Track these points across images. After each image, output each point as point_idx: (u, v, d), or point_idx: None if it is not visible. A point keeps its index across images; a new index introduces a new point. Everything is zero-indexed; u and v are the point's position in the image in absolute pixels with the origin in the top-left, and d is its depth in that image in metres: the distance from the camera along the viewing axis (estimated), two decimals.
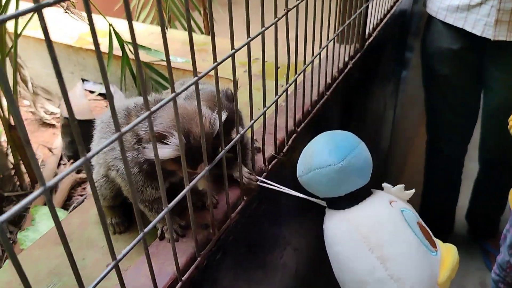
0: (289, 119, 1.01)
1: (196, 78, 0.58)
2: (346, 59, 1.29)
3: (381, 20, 1.55)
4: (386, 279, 0.69)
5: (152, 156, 0.64)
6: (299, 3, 0.86)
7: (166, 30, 0.54)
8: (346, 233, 0.74)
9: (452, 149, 2.00)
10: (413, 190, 0.83)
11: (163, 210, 0.60)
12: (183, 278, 0.69)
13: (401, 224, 0.75)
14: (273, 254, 1.08)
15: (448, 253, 0.77)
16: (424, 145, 2.15)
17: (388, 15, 1.59)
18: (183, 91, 0.57)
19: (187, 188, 0.63)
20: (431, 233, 0.80)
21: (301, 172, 0.81)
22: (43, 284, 0.76)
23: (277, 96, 0.88)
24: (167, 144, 0.68)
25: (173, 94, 0.55)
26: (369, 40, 1.42)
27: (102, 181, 0.82)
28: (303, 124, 1.06)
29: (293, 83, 0.97)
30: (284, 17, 0.80)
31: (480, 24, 1.58)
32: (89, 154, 0.45)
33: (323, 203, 0.85)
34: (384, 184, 0.82)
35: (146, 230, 0.57)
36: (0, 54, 1.29)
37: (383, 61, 1.73)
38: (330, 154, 0.76)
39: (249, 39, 0.69)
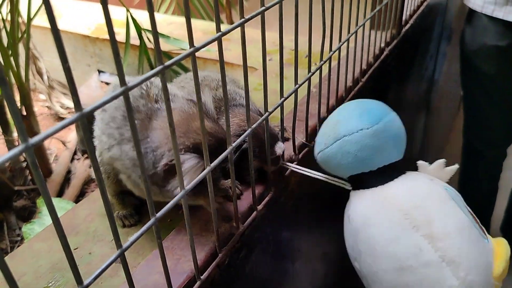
0: (322, 105, 0.90)
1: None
2: (382, 45, 1.18)
3: (418, 7, 1.44)
4: (436, 262, 0.55)
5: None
6: None
7: (183, 18, 0.44)
8: (382, 212, 0.60)
9: (493, 152, 1.85)
10: (456, 166, 0.70)
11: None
12: (201, 277, 0.59)
13: (448, 200, 0.62)
14: (303, 258, 0.97)
15: (499, 244, 0.63)
16: (456, 151, 2.01)
17: (425, 3, 1.48)
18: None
19: (207, 169, 0.53)
20: (477, 220, 0.67)
21: (323, 145, 0.67)
22: (43, 280, 0.67)
23: (310, 73, 0.78)
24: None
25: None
26: (406, 27, 1.31)
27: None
28: None
29: (328, 65, 0.87)
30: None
31: None
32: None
33: (348, 186, 0.72)
34: (420, 162, 0.70)
35: (158, 215, 0.47)
36: (12, 39, 1.22)
37: (419, 54, 1.61)
38: (361, 118, 0.64)
39: (263, 7, 0.59)
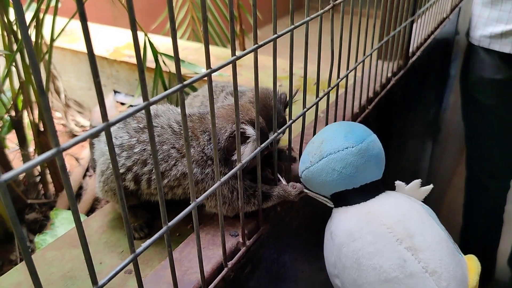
0: None
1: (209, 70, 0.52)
2: (389, 75, 1.22)
3: (425, 40, 1.48)
4: (420, 272, 0.57)
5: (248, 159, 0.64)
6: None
7: (200, 43, 0.49)
8: (366, 226, 0.63)
9: (496, 184, 1.86)
10: (431, 186, 0.73)
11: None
12: None
13: (426, 216, 0.66)
14: (306, 280, 0.98)
15: (470, 260, 0.67)
16: (462, 184, 2.02)
17: (432, 36, 1.53)
18: (219, 68, 0.51)
19: (217, 184, 0.56)
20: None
21: (308, 163, 0.70)
22: (55, 287, 0.69)
23: (318, 99, 0.81)
24: (247, 138, 0.69)
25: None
26: (413, 59, 1.35)
27: (107, 178, 0.77)
28: None
29: (335, 92, 0.90)
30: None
31: None
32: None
33: (330, 204, 0.74)
34: (397, 182, 0.73)
35: (171, 223, 0.50)
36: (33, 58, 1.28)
37: (426, 85, 1.65)
38: (346, 138, 0.68)
39: (275, 35, 0.63)
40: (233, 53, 0.55)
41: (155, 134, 0.71)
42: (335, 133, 0.70)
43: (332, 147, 0.67)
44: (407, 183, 0.73)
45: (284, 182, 0.75)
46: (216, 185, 0.56)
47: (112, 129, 0.74)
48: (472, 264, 0.65)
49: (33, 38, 1.29)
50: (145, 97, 0.43)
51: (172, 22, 0.45)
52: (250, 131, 0.69)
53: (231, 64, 0.55)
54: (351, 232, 0.64)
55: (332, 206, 0.72)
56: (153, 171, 0.72)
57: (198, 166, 0.70)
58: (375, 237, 0.61)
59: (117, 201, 0.80)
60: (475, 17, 1.62)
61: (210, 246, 0.69)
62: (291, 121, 0.74)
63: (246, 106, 0.75)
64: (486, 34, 1.56)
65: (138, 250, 0.48)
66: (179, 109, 0.78)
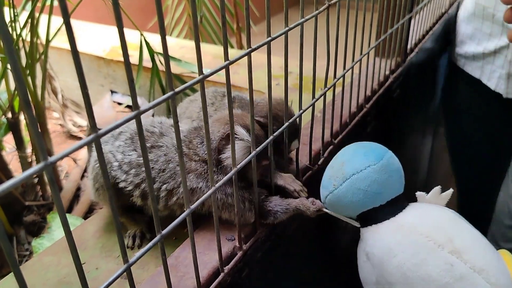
0: (326, 130, 0.93)
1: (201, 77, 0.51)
2: (387, 72, 1.21)
3: (423, 36, 1.47)
4: (468, 273, 0.58)
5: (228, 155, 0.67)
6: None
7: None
8: (404, 239, 0.63)
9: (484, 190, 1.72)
10: (451, 190, 0.72)
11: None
12: None
13: (458, 219, 0.66)
14: (307, 283, 0.98)
15: (504, 254, 0.67)
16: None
17: (430, 32, 1.52)
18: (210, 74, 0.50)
19: (210, 191, 0.56)
20: None
21: (332, 187, 0.71)
22: None
23: (314, 99, 0.80)
24: (240, 140, 0.68)
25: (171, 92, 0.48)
26: (411, 55, 1.34)
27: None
28: (340, 136, 0.98)
29: (332, 91, 0.90)
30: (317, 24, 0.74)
31: (494, 76, 1.37)
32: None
33: (357, 224, 0.74)
34: (418, 193, 0.73)
35: (164, 232, 0.50)
36: (31, 60, 1.27)
37: (425, 82, 1.64)
38: (366, 156, 0.68)
39: (269, 38, 0.62)
40: (226, 58, 0.54)
41: (161, 153, 0.72)
42: (354, 154, 0.70)
43: (354, 167, 0.67)
44: (427, 191, 0.73)
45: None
46: (210, 191, 0.55)
47: (119, 143, 0.75)
48: (507, 258, 0.66)
49: (28, 39, 1.29)
50: (135, 106, 0.42)
51: (161, 19, 0.44)
52: (241, 131, 0.69)
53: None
54: (390, 248, 0.64)
55: (359, 226, 0.72)
56: (163, 187, 0.72)
57: (202, 180, 0.70)
58: (416, 248, 0.61)
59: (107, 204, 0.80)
60: (455, 31, 1.55)
61: (206, 251, 0.68)
62: (287, 123, 0.74)
63: (243, 113, 0.75)
64: (461, 52, 1.49)
65: (131, 260, 0.47)
66: (182, 127, 0.78)
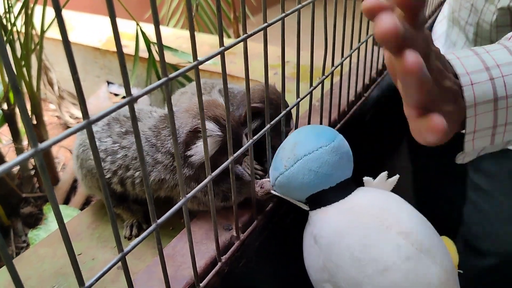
0: (324, 119, 0.92)
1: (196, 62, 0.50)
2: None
3: None
4: (415, 254, 0.58)
5: (201, 156, 0.67)
6: None
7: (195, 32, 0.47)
8: (354, 220, 0.63)
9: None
10: (397, 176, 0.72)
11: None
12: (201, 284, 0.60)
13: (404, 203, 0.67)
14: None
15: (445, 240, 0.69)
16: None
17: (430, 21, 1.50)
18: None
19: (208, 178, 0.55)
20: None
21: (282, 168, 0.69)
22: (47, 284, 0.69)
23: (311, 88, 0.80)
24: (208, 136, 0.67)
25: (165, 79, 0.47)
26: None
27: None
28: (338, 125, 0.97)
29: (330, 80, 0.89)
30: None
31: None
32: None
33: (306, 207, 0.73)
34: (365, 178, 0.72)
35: (160, 221, 0.49)
36: (25, 51, 1.26)
37: None
38: (318, 138, 0.68)
39: (265, 24, 0.61)
40: (221, 44, 0.53)
41: (130, 143, 0.71)
42: (307, 135, 0.70)
43: (306, 148, 0.67)
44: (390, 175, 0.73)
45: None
46: (206, 181, 0.55)
47: (96, 129, 0.73)
48: (448, 243, 0.67)
49: (23, 30, 1.27)
50: (128, 92, 0.41)
51: (154, 5, 0.44)
52: (209, 126, 0.68)
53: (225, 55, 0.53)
54: (339, 230, 0.63)
55: (307, 209, 0.71)
56: (136, 174, 0.71)
57: (169, 172, 0.70)
58: (365, 229, 0.61)
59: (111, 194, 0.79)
60: (432, 30, 1.40)
61: (204, 240, 0.68)
62: (284, 111, 0.73)
63: (216, 101, 0.73)
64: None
65: (126, 249, 0.47)
66: (160, 111, 0.77)
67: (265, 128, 0.67)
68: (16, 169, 1.38)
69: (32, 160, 1.39)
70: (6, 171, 0.32)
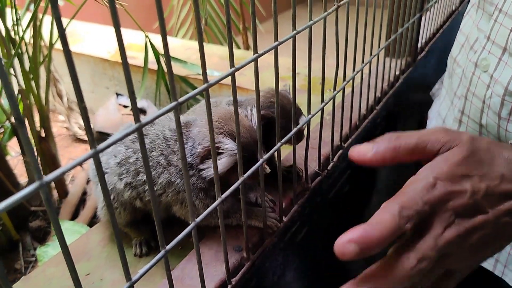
0: (335, 133, 0.90)
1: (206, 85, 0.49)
2: (397, 72, 1.18)
3: (434, 34, 1.44)
4: None
5: (211, 174, 0.66)
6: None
7: (203, 44, 0.46)
8: None
9: None
10: None
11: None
12: None
13: None
14: None
15: None
16: None
17: (441, 31, 1.48)
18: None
19: (219, 198, 0.54)
20: None
21: None
22: None
23: (323, 103, 0.78)
24: (221, 153, 0.65)
25: (175, 103, 0.46)
26: (421, 54, 1.31)
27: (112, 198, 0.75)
28: (350, 140, 0.95)
29: (341, 93, 0.87)
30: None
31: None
32: (100, 147, 0.37)
33: None
34: None
35: (168, 247, 0.48)
36: (34, 63, 1.26)
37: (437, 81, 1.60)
38: None
39: (276, 42, 0.60)
40: (232, 65, 0.51)
41: (147, 141, 0.70)
42: None
43: None
44: None
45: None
46: (215, 204, 0.53)
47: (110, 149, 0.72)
48: None
49: (31, 41, 1.27)
50: (136, 119, 0.40)
51: (161, 19, 0.42)
52: (225, 145, 0.65)
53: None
54: None
55: None
56: (143, 179, 0.71)
57: (179, 176, 0.68)
58: None
59: (125, 215, 0.78)
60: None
61: (213, 262, 0.66)
62: (295, 128, 0.71)
63: (232, 115, 0.71)
64: (436, 86, 1.34)
65: (134, 278, 0.45)
66: (182, 118, 0.75)
67: (276, 146, 0.66)
68: (24, 182, 1.38)
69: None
70: (8, 208, 0.31)
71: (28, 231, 1.25)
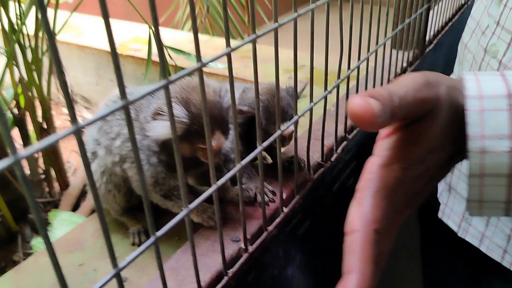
0: (339, 125, 0.88)
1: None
2: (404, 65, 1.15)
3: (443, 27, 1.41)
4: None
5: (154, 133, 0.63)
6: None
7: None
8: None
9: None
10: None
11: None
12: None
13: None
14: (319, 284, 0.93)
15: None
16: None
17: (450, 24, 1.45)
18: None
19: (212, 188, 0.51)
20: None
21: None
22: None
23: (326, 92, 0.75)
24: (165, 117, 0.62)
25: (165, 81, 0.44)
26: (430, 47, 1.28)
27: (101, 178, 0.73)
28: (354, 131, 0.92)
29: (346, 84, 0.84)
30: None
31: None
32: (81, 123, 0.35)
33: None
34: None
35: (159, 233, 0.45)
36: (36, 55, 1.24)
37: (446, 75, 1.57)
38: None
39: (276, 24, 0.57)
40: (228, 44, 0.49)
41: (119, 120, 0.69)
42: None
43: None
44: None
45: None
46: (212, 189, 0.51)
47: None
48: None
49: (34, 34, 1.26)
50: (122, 95, 0.38)
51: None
52: (175, 109, 0.62)
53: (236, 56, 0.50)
54: None
55: None
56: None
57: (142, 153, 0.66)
58: None
59: (120, 199, 0.76)
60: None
61: (209, 253, 0.64)
62: (296, 116, 0.69)
63: (197, 87, 0.67)
64: None
65: (120, 265, 0.43)
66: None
67: (257, 150, 0.63)
68: (26, 173, 1.37)
69: (42, 164, 1.37)
70: None
71: (28, 222, 1.23)
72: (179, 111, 0.62)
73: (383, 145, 0.45)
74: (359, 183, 0.44)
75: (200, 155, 0.66)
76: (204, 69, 1.51)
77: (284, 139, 0.77)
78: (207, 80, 0.71)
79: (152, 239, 0.45)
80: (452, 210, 0.92)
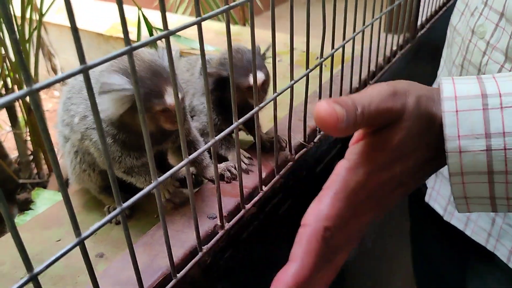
0: None
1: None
2: (395, 48, 1.14)
3: (436, 12, 1.39)
4: None
5: (103, 108, 0.59)
6: None
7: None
8: None
9: None
10: None
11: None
12: (178, 275, 0.56)
13: None
14: None
15: None
16: None
17: (444, 8, 1.43)
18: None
19: (185, 161, 0.51)
20: None
21: None
22: (21, 271, 0.66)
23: (308, 70, 0.74)
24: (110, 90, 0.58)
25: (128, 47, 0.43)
26: (422, 31, 1.26)
27: (75, 158, 0.73)
28: None
29: (331, 62, 0.83)
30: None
31: None
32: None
33: None
34: None
35: (125, 205, 0.45)
36: (22, 36, 1.23)
37: (437, 60, 1.56)
38: None
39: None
40: (198, 14, 0.49)
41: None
42: None
43: None
44: None
45: None
46: (182, 163, 0.50)
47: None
48: None
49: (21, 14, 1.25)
50: (81, 60, 0.38)
51: None
52: (115, 80, 0.59)
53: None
54: None
55: None
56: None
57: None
58: None
59: (95, 178, 0.75)
60: None
61: (185, 229, 0.64)
62: (275, 94, 0.68)
63: (140, 54, 0.64)
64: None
65: (84, 234, 0.43)
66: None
67: (254, 110, 0.62)
68: (14, 155, 1.36)
69: (30, 146, 1.37)
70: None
71: (16, 203, 1.23)
72: (119, 79, 0.59)
73: (352, 150, 0.47)
74: (325, 183, 0.47)
75: (163, 122, 0.63)
76: (193, 50, 1.48)
77: (258, 91, 0.74)
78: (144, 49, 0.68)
79: (118, 210, 0.45)
80: (439, 193, 0.92)
